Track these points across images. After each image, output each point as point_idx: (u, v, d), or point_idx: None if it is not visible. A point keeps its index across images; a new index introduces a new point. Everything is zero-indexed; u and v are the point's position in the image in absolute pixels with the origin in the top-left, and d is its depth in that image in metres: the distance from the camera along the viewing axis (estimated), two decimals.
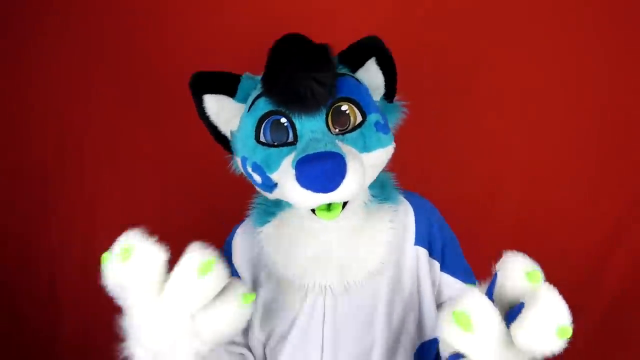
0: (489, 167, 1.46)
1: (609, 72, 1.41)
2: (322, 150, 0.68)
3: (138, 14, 1.43)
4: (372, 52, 0.80)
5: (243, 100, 0.81)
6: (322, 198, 0.68)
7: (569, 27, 1.40)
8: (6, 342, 1.51)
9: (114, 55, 1.45)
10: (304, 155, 0.68)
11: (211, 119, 0.82)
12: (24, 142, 1.50)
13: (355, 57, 0.81)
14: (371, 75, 0.81)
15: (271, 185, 0.76)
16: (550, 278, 1.67)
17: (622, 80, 1.41)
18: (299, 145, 0.72)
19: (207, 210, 1.45)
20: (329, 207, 0.72)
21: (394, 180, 0.86)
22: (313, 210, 0.74)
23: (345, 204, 0.75)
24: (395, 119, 0.84)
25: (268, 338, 0.85)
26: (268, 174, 0.75)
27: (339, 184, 0.67)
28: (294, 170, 0.68)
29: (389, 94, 0.83)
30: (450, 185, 1.41)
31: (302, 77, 0.69)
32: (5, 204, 1.51)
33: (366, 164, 0.73)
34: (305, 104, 0.71)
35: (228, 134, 0.84)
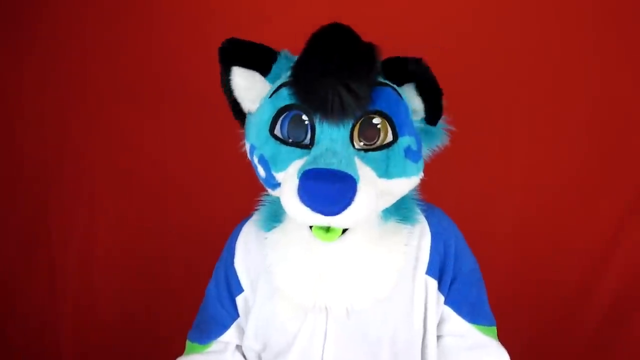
0: (488, 167, 1.46)
1: (609, 73, 1.40)
2: (335, 167, 0.60)
3: (137, 12, 1.43)
4: (412, 78, 0.69)
5: (274, 81, 0.70)
6: (320, 219, 0.60)
7: (568, 32, 1.40)
8: (6, 342, 1.51)
9: (114, 54, 1.45)
10: (312, 167, 0.60)
11: (235, 94, 0.72)
12: (24, 142, 1.50)
13: (395, 74, 0.69)
14: (409, 96, 0.70)
15: (274, 184, 0.69)
16: (550, 278, 1.66)
17: (622, 81, 1.41)
18: (313, 151, 0.63)
19: (207, 210, 1.45)
20: (327, 228, 0.65)
21: (416, 193, 0.77)
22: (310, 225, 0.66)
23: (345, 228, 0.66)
24: (436, 143, 0.75)
25: (263, 349, 0.80)
26: (273, 172, 0.67)
27: (342, 211, 0.59)
28: (297, 180, 0.60)
29: (431, 119, 0.71)
30: (450, 185, 1.41)
31: (332, 82, 0.59)
32: (5, 204, 1.51)
33: (382, 190, 0.65)
34: (329, 111, 0.61)
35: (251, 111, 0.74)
